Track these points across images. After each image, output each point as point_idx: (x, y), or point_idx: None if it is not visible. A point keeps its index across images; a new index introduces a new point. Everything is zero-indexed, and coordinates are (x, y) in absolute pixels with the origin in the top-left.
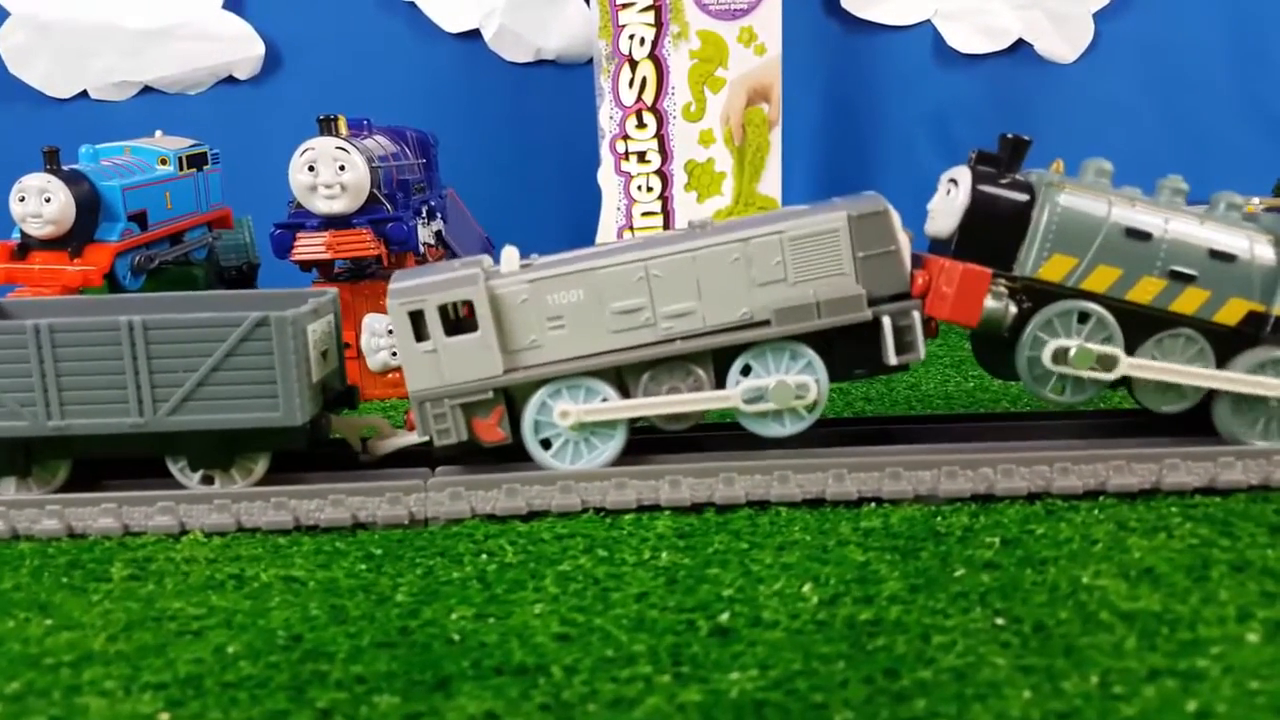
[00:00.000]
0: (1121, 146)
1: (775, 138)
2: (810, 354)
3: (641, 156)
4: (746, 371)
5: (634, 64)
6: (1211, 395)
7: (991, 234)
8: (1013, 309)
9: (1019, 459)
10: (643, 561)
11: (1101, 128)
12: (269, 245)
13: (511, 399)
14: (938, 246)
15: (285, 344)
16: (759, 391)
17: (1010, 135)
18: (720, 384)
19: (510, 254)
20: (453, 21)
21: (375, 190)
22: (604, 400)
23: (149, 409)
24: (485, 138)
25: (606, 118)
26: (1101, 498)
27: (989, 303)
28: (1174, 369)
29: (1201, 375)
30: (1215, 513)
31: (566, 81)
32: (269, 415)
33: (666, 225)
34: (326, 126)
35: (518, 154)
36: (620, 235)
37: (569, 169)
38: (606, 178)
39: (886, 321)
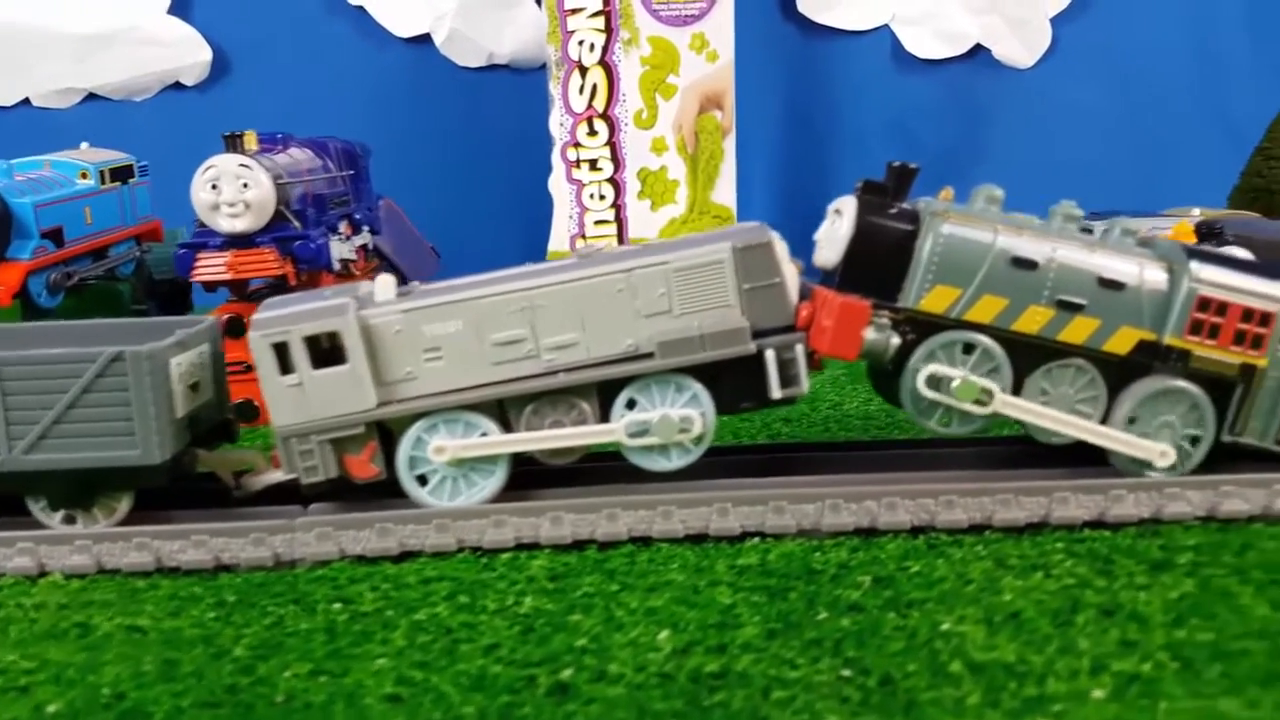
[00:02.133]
0: (1079, 151)
1: (729, 145)
2: (696, 387)
3: (593, 164)
4: (632, 405)
5: (584, 70)
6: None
7: (875, 265)
8: (895, 341)
9: (903, 491)
10: (504, 608)
11: (1060, 132)
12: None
13: (389, 433)
14: (826, 277)
15: (142, 380)
16: (643, 425)
17: (897, 163)
18: (605, 417)
19: (385, 282)
20: (403, 26)
21: (282, 208)
22: (483, 435)
23: (4, 448)
24: (436, 144)
25: (557, 125)
26: (987, 532)
27: (870, 335)
28: (1045, 413)
29: (1073, 426)
30: (1099, 548)
31: (520, 87)
32: (127, 454)
33: (620, 234)
34: (231, 143)
35: (470, 161)
36: (573, 244)
37: (522, 177)
38: (558, 186)
39: (770, 355)
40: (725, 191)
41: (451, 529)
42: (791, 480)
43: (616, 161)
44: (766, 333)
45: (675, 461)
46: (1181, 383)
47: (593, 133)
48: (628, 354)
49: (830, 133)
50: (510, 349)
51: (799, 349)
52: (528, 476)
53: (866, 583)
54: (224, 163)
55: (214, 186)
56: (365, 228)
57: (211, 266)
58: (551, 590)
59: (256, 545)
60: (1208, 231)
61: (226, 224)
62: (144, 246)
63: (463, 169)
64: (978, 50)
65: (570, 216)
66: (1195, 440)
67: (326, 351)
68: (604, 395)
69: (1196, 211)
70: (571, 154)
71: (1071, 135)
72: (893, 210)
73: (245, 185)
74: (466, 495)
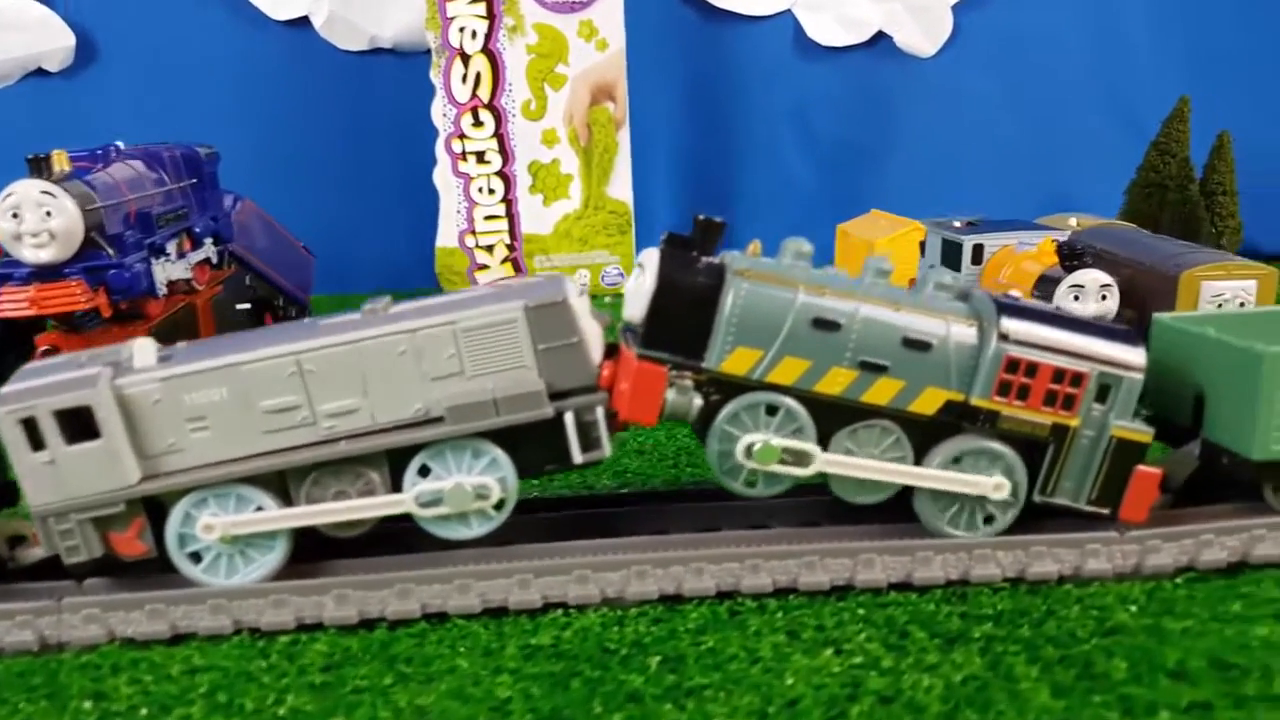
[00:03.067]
0: (980, 142)
1: (624, 138)
2: (494, 451)
3: (480, 156)
4: (426, 472)
5: (466, 58)
6: (909, 487)
7: (679, 322)
8: (698, 403)
9: (710, 556)
10: (262, 710)
11: (961, 123)
12: None
13: (163, 506)
14: (630, 332)
15: None
16: (435, 495)
17: (702, 217)
18: (398, 485)
19: (143, 346)
20: (280, 8)
21: (94, 234)
22: (258, 509)
23: None
24: (316, 134)
25: (440, 115)
26: (791, 596)
27: (672, 396)
28: (867, 465)
29: (898, 473)
30: (899, 617)
31: (404, 72)
32: None
33: (512, 230)
34: (35, 167)
35: (352, 152)
36: (462, 240)
37: (409, 168)
38: (443, 179)
39: (569, 418)
40: (621, 186)
41: (227, 609)
42: (601, 544)
43: (505, 154)
44: (566, 394)
45: (476, 529)
46: (991, 443)
47: (478, 123)
48: (416, 419)
49: (732, 123)
50: (283, 416)
51: (599, 411)
52: (328, 545)
53: (653, 666)
54: (24, 190)
55: (15, 215)
56: (208, 239)
57: (14, 301)
58: (319, 685)
59: (21, 628)
60: (1069, 253)
61: (31, 255)
62: None
63: (344, 160)
64: (880, 38)
65: (458, 211)
66: (1007, 504)
67: (83, 424)
68: (396, 463)
69: (1073, 221)
70: (457, 145)
71: (972, 126)
72: (697, 265)
73: (49, 214)
74: (244, 573)
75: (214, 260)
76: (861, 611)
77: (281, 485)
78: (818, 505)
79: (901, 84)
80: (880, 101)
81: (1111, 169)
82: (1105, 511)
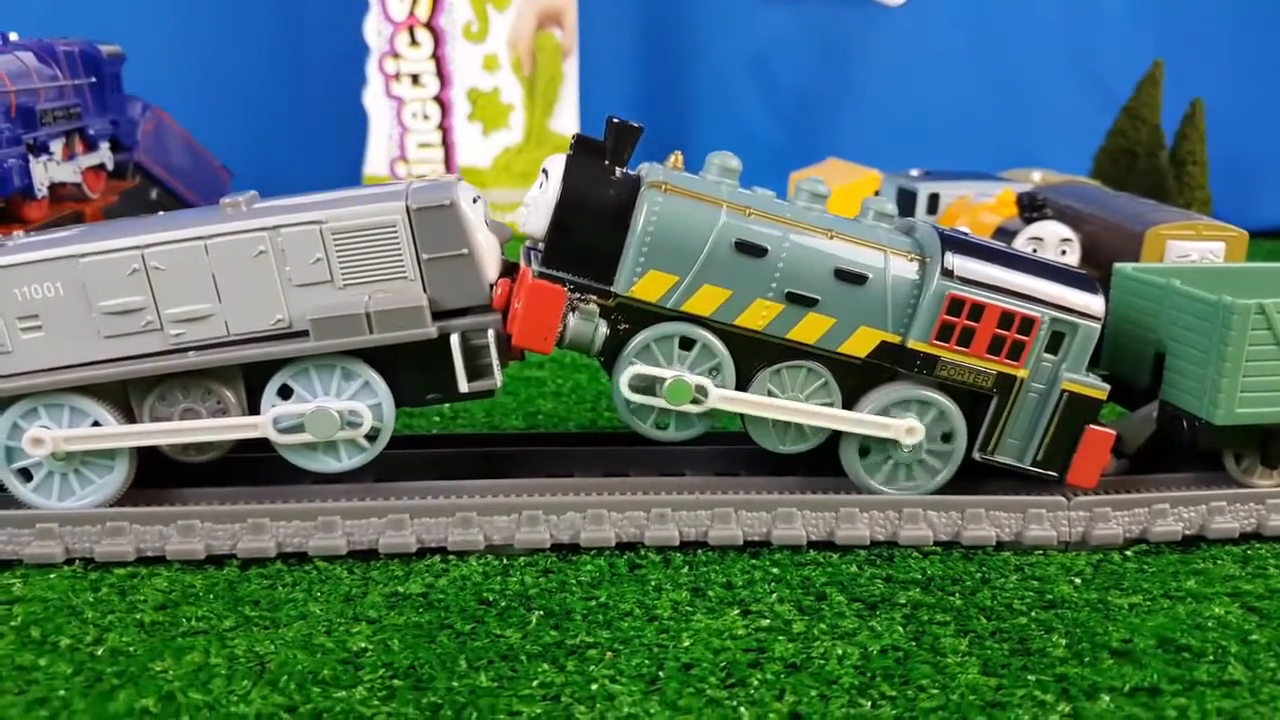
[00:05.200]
0: (945, 99)
1: (570, 68)
2: (367, 373)
3: (415, 79)
4: (288, 394)
5: None
6: (837, 436)
7: (585, 238)
8: (604, 331)
9: (611, 503)
10: (79, 648)
11: (925, 76)
12: None
13: None
14: (534, 251)
15: None
16: (296, 419)
17: (617, 120)
18: (255, 407)
19: None
20: None
21: None
22: (95, 424)
23: None
24: (241, 44)
25: (374, 33)
26: (700, 551)
27: (573, 322)
28: (758, 401)
29: (803, 412)
30: (816, 578)
31: None
32: None
33: (448, 160)
34: None
35: (278, 66)
36: (393, 168)
37: (337, 87)
38: (375, 101)
39: (455, 340)
40: (567, 118)
41: (59, 535)
42: (490, 485)
43: (442, 78)
44: (454, 314)
45: (346, 460)
46: (928, 392)
47: (414, 43)
48: (277, 331)
49: (686, 62)
50: (125, 320)
51: (490, 334)
52: (178, 471)
53: (534, 621)
54: None
55: None
56: (104, 143)
57: None
58: (150, 624)
59: None
60: (1029, 203)
61: None
62: None
63: (269, 75)
64: None
65: (390, 137)
66: (942, 457)
67: None
68: (254, 380)
69: (1036, 176)
70: (390, 66)
71: (937, 81)
72: (609, 174)
73: None
74: (80, 495)
75: (109, 167)
76: (776, 571)
77: (123, 398)
78: (737, 454)
79: (864, 33)
80: (842, 50)
81: (1077, 132)
82: (1052, 474)
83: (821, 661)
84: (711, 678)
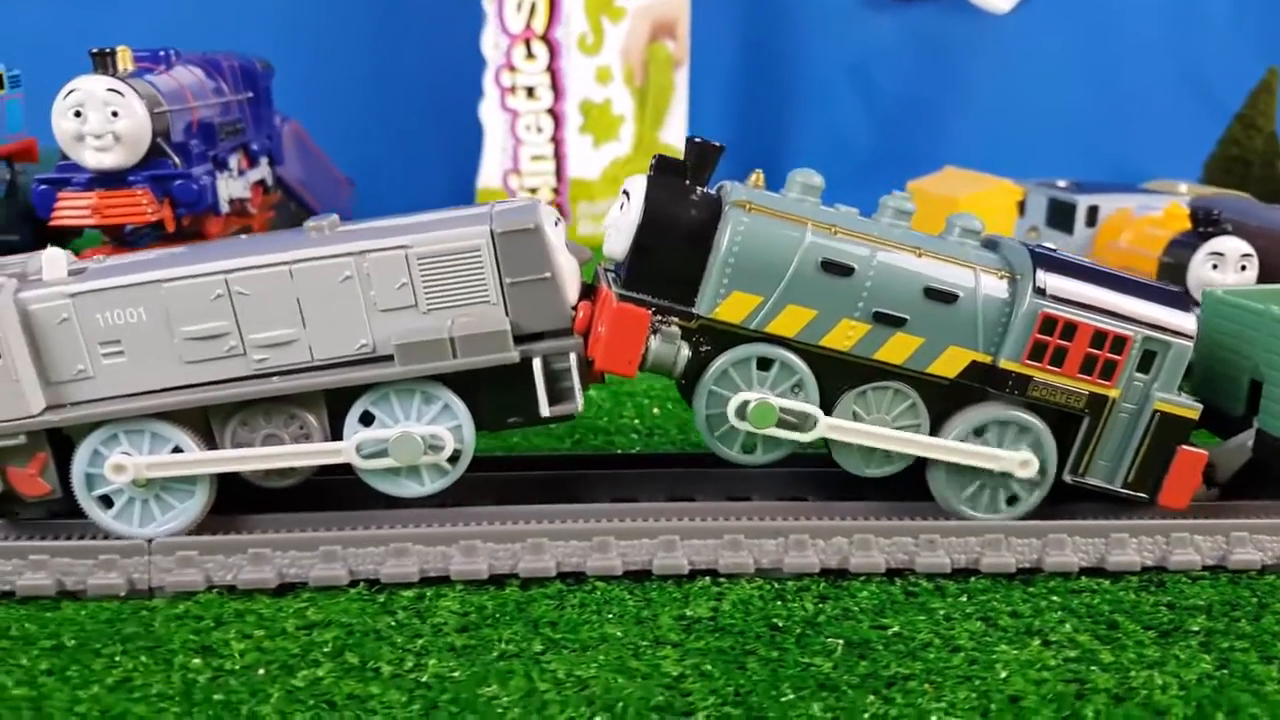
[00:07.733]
0: (1050, 106)
1: (681, 79)
2: (448, 397)
3: (530, 92)
4: (369, 420)
5: None
6: (926, 459)
7: (667, 260)
8: (685, 353)
9: (877, 528)
10: (402, 674)
11: (1030, 83)
12: None
13: (71, 441)
14: (616, 271)
15: None
16: (380, 445)
17: (698, 139)
18: (337, 432)
19: (54, 257)
20: None
21: (160, 140)
22: (176, 449)
23: None
24: (355, 59)
25: (491, 45)
26: (972, 579)
27: (656, 346)
28: (880, 433)
29: (907, 441)
30: (1100, 606)
31: None
32: None
33: (559, 171)
34: (100, 62)
35: (397, 79)
36: (506, 181)
37: (454, 101)
38: (490, 114)
39: (537, 365)
40: (675, 130)
41: (341, 557)
42: (753, 506)
43: (556, 90)
44: (536, 337)
45: (429, 485)
46: (1020, 413)
47: (530, 56)
48: (360, 356)
49: (790, 71)
50: (208, 345)
51: (572, 358)
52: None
53: (839, 649)
54: (89, 86)
55: (78, 114)
56: (264, 159)
57: (74, 208)
58: (462, 648)
59: (106, 569)
60: (1205, 217)
61: (93, 159)
62: (16, 168)
63: (388, 88)
64: None
65: (503, 149)
66: (1033, 484)
67: None
68: (336, 406)
69: (1183, 188)
70: (506, 79)
71: (1042, 88)
72: (690, 194)
73: (115, 114)
74: (161, 522)
75: (268, 182)
76: (1057, 599)
77: (203, 423)
78: (803, 477)
79: (969, 40)
80: (946, 58)
81: (1183, 140)
82: (1143, 496)
83: (1145, 691)
84: (1044, 710)
